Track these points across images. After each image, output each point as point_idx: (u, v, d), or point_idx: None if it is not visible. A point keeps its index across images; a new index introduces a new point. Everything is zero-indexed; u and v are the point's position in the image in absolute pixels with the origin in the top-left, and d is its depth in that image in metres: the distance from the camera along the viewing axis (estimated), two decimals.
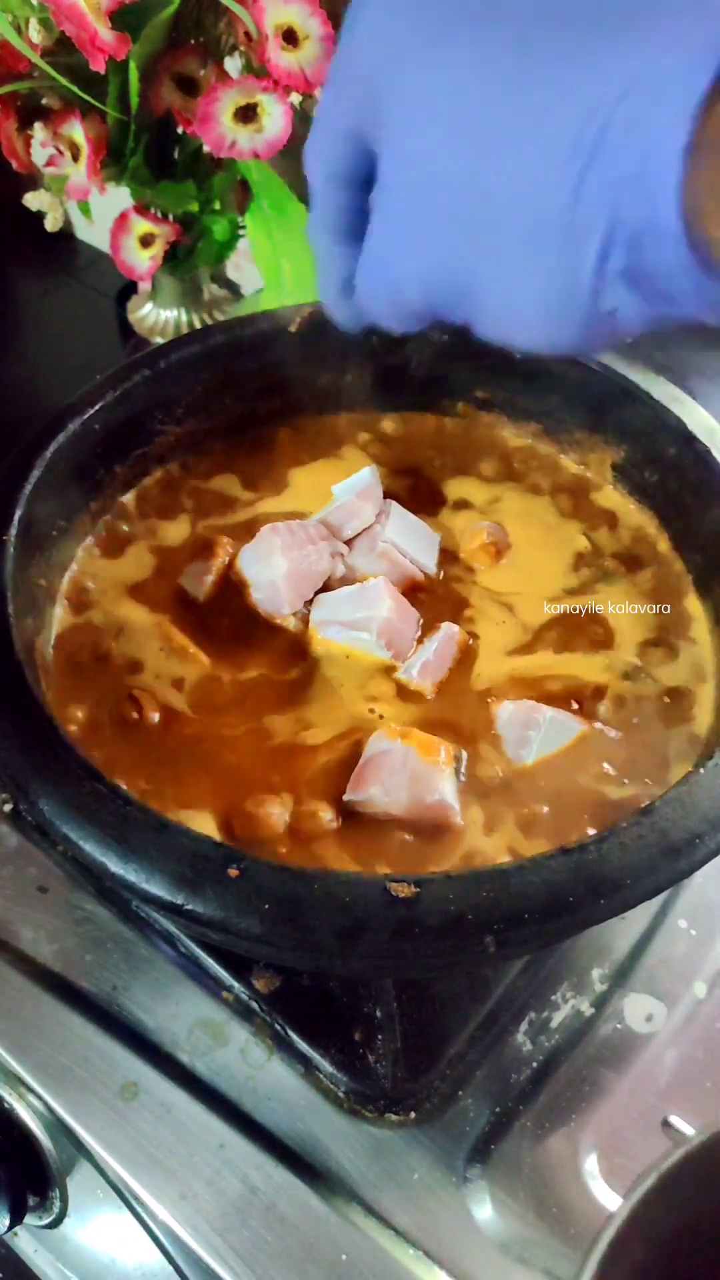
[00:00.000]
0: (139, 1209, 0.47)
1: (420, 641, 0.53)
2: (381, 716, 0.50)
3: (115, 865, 0.39)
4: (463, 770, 0.48)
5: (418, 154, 0.32)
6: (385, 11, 0.32)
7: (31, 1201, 0.53)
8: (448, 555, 0.58)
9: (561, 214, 0.29)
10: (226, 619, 0.54)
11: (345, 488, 0.58)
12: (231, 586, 0.55)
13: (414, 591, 0.55)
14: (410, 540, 0.56)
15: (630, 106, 0.27)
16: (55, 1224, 0.54)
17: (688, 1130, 0.48)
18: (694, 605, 0.55)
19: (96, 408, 0.55)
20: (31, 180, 0.73)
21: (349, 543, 0.57)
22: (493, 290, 0.32)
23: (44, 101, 0.68)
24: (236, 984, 0.51)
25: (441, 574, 0.57)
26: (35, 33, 0.63)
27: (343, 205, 0.36)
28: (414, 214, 0.33)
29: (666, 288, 0.29)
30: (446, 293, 0.33)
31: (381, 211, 0.34)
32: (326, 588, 0.55)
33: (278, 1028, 0.50)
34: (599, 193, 0.28)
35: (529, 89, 0.29)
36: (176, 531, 0.58)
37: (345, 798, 0.47)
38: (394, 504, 0.58)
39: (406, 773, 0.47)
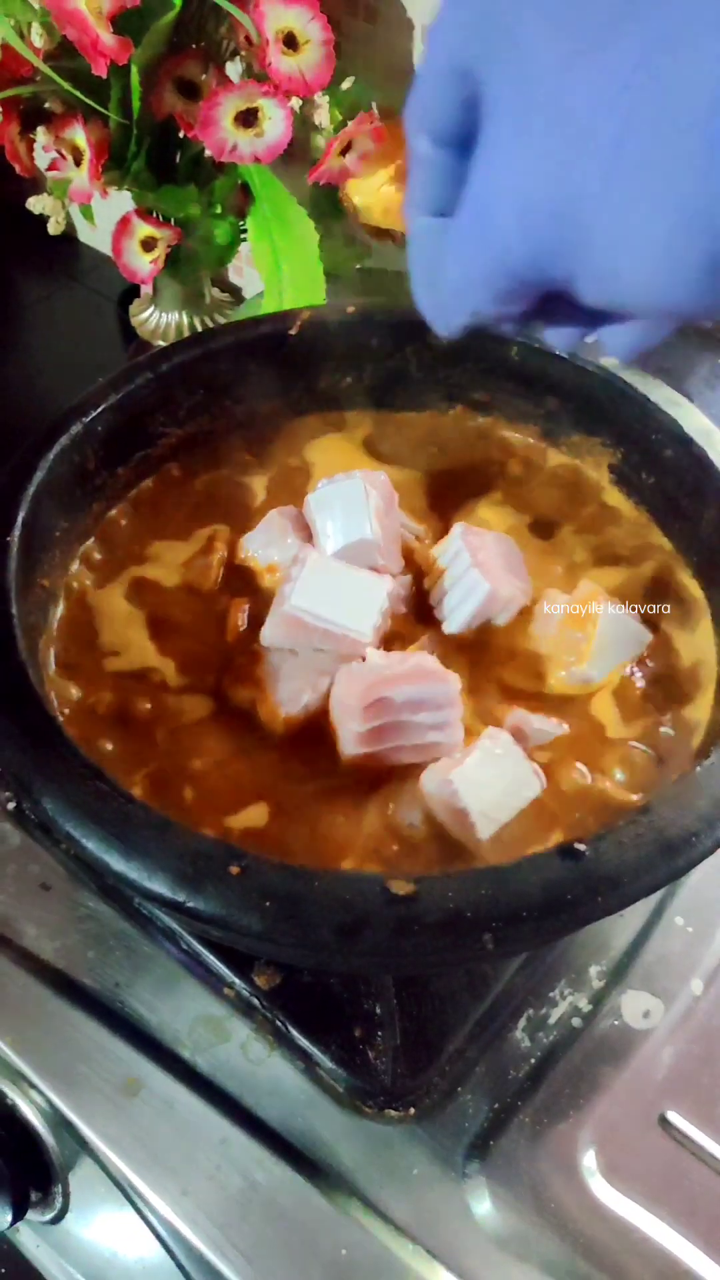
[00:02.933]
0: (141, 1204, 0.47)
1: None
2: None
3: (117, 863, 0.39)
4: None
5: (532, 58, 0.27)
6: None
7: (34, 1197, 0.53)
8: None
9: (700, 125, 0.24)
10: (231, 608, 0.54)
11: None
12: (239, 575, 0.56)
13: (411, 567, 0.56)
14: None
15: None
16: (57, 1220, 0.54)
17: (684, 1126, 0.49)
18: (694, 605, 0.56)
19: (99, 410, 0.55)
20: (34, 184, 0.73)
21: None
22: (606, 226, 0.27)
23: (46, 105, 0.69)
24: (238, 980, 0.51)
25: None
26: (38, 37, 0.64)
27: (442, 170, 0.32)
28: (520, 135, 0.28)
29: None
30: (552, 234, 0.28)
31: (485, 145, 0.30)
32: None
33: (279, 1024, 0.50)
34: None
35: None
36: (177, 532, 0.58)
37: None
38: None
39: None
